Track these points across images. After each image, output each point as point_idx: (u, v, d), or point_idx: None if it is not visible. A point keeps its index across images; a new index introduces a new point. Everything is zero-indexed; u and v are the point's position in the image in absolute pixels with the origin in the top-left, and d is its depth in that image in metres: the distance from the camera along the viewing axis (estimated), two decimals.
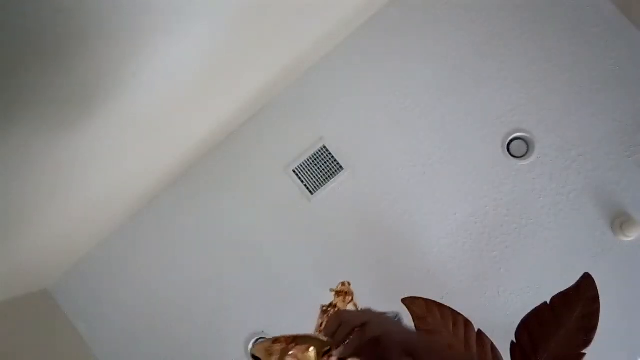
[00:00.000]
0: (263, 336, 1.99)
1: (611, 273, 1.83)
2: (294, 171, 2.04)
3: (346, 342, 0.61)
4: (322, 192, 2.03)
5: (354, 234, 2.01)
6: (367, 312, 0.68)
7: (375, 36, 2.04)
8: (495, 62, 1.97)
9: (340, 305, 0.84)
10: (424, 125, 2.01)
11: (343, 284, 0.88)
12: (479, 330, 1.58)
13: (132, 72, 1.01)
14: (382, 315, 0.66)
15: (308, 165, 2.04)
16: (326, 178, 2.03)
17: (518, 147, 1.97)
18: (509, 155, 1.96)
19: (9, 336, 1.68)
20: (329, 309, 0.83)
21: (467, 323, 1.60)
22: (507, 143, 1.96)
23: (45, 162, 1.09)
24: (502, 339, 1.54)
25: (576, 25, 1.93)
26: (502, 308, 1.91)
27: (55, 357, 1.88)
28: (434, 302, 1.65)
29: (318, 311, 0.83)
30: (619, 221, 1.84)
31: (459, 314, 1.61)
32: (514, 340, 1.53)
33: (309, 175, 2.04)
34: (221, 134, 2.03)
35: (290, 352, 0.59)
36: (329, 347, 0.60)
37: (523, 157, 1.95)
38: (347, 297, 0.82)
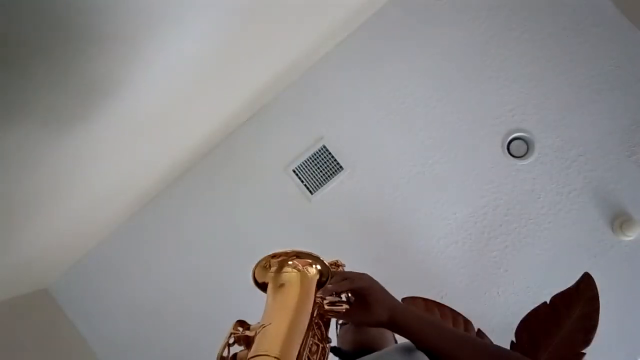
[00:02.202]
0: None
1: (611, 273, 1.83)
2: (294, 171, 2.04)
3: (336, 283, 0.62)
4: (322, 192, 2.03)
5: (354, 234, 2.01)
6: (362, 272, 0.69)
7: (375, 36, 2.04)
8: (495, 62, 1.97)
9: None
10: (423, 125, 2.01)
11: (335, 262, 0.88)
12: (479, 330, 1.59)
13: (137, 66, 1.01)
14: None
15: (308, 165, 2.04)
16: (326, 178, 2.03)
17: (518, 147, 1.97)
18: (509, 155, 1.96)
19: (9, 336, 1.68)
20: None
21: (467, 323, 1.60)
22: (507, 143, 1.96)
23: (45, 162, 1.09)
24: (502, 339, 1.53)
25: (576, 25, 1.93)
26: (502, 308, 1.91)
27: (55, 356, 1.88)
28: (434, 302, 1.66)
29: None
30: (619, 221, 1.84)
31: (458, 313, 1.61)
32: (514, 340, 1.53)
33: (309, 175, 2.04)
34: (221, 133, 2.03)
35: (291, 262, 0.59)
36: (327, 278, 0.60)
37: (523, 157, 1.95)
38: (338, 269, 0.82)
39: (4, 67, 0.69)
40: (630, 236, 1.82)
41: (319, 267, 0.60)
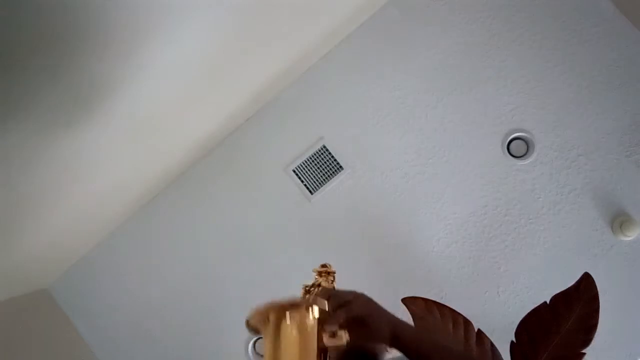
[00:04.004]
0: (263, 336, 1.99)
1: (611, 273, 1.84)
2: (294, 171, 2.04)
3: (334, 314, 0.61)
4: (322, 192, 2.03)
5: (354, 234, 2.01)
6: (354, 291, 0.68)
7: (375, 36, 2.04)
8: (495, 62, 1.97)
9: (324, 284, 0.80)
10: (423, 125, 2.01)
11: (324, 265, 0.86)
12: (479, 330, 1.58)
13: (137, 65, 1.01)
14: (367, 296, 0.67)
15: (308, 165, 2.04)
16: (326, 178, 2.03)
17: (518, 147, 1.97)
18: (509, 155, 1.96)
19: (9, 336, 1.68)
20: (312, 288, 0.80)
21: (467, 323, 1.60)
22: (507, 143, 1.96)
23: (45, 163, 1.09)
24: (502, 339, 1.54)
25: (576, 25, 1.93)
26: (502, 308, 1.91)
27: (55, 357, 1.88)
28: (434, 302, 1.66)
29: (301, 291, 0.81)
30: (619, 221, 1.84)
31: (458, 313, 1.61)
32: (514, 340, 1.53)
33: (309, 175, 2.04)
34: (221, 133, 2.03)
35: (289, 316, 0.59)
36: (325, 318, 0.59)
37: (523, 157, 1.95)
38: (329, 277, 0.80)
39: (8, 65, 0.69)
40: (629, 236, 1.82)
41: (316, 313, 0.59)
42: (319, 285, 0.80)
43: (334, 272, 0.81)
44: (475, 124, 1.98)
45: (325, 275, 0.80)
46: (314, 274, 0.84)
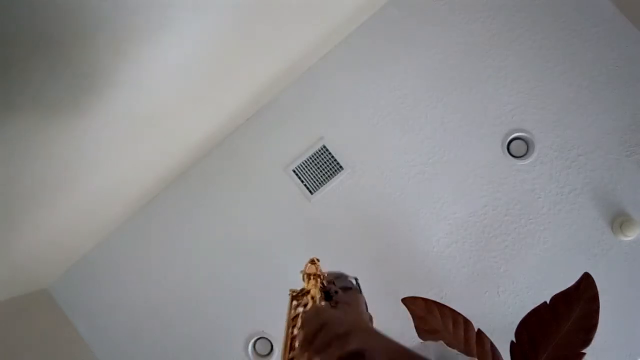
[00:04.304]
0: (263, 336, 1.99)
1: (611, 273, 1.83)
2: (294, 171, 2.04)
3: (327, 350, 0.56)
4: (322, 192, 2.03)
5: (354, 234, 2.01)
6: (351, 316, 0.65)
7: (374, 36, 2.04)
8: (495, 62, 1.97)
9: (313, 290, 0.75)
10: (423, 125, 2.01)
11: (312, 261, 0.80)
12: (479, 330, 1.58)
13: (137, 65, 1.01)
14: (370, 327, 0.65)
15: (308, 165, 2.04)
16: (326, 178, 2.03)
17: (518, 147, 1.97)
18: (509, 155, 1.96)
19: (9, 336, 1.68)
20: (300, 294, 0.76)
21: (467, 323, 1.60)
22: (507, 143, 1.96)
23: (45, 162, 1.09)
24: (502, 339, 1.54)
25: (576, 25, 1.93)
26: (502, 308, 1.91)
27: (55, 357, 1.88)
28: (434, 302, 1.66)
29: (288, 297, 0.76)
30: (619, 221, 1.84)
31: (458, 313, 1.61)
32: (514, 340, 1.53)
33: (309, 175, 2.04)
34: (221, 133, 2.03)
35: None
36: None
37: (523, 157, 1.95)
38: (318, 279, 0.76)
39: (7, 63, 0.69)
40: (629, 236, 1.82)
41: None
42: (308, 292, 0.76)
43: (324, 275, 0.79)
44: (475, 124, 1.98)
45: (314, 279, 0.77)
46: (302, 275, 0.80)
